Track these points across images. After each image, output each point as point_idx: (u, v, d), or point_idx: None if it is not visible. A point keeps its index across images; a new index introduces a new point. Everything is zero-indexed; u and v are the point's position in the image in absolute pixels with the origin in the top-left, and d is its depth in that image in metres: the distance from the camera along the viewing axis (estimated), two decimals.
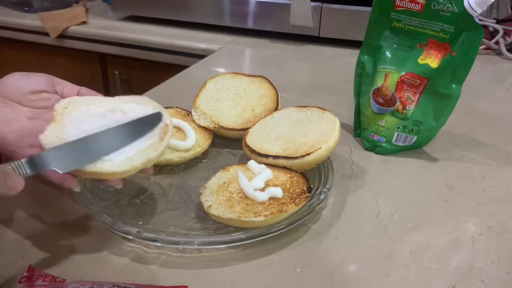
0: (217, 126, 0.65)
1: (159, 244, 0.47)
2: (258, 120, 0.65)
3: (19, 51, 1.37)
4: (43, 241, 0.49)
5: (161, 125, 0.47)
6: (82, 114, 0.47)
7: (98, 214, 0.49)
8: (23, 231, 0.50)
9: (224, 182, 0.54)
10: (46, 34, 1.26)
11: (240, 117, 0.67)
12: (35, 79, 0.52)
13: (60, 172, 0.42)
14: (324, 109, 0.62)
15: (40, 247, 0.48)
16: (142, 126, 0.47)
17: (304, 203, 0.50)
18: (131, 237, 0.47)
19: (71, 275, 0.44)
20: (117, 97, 0.51)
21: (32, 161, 0.41)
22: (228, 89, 0.72)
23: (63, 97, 0.53)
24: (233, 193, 0.52)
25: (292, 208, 0.49)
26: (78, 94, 0.53)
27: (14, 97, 0.50)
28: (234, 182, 0.54)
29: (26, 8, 1.38)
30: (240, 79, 0.73)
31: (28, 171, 0.41)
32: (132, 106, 0.49)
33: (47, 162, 0.42)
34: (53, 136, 0.44)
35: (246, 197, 0.51)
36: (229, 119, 0.67)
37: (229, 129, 0.65)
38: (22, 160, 0.41)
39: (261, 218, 0.47)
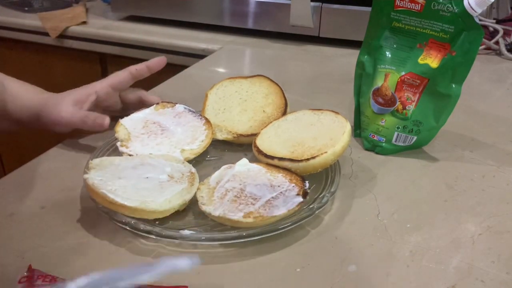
0: (236, 136, 0.65)
1: (154, 237, 0.48)
2: (271, 121, 0.65)
3: (19, 51, 1.37)
4: (43, 241, 0.49)
5: (188, 173, 0.55)
6: (116, 167, 0.54)
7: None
8: (23, 231, 0.50)
9: (223, 179, 0.54)
10: (46, 34, 1.25)
11: (254, 121, 0.67)
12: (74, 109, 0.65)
13: None
14: (337, 113, 0.61)
15: (40, 247, 0.48)
16: None
17: (296, 209, 0.49)
18: (128, 228, 0.48)
19: (71, 275, 0.44)
20: (143, 154, 0.59)
21: None
22: (231, 95, 0.71)
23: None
24: (229, 191, 0.52)
25: (283, 214, 0.48)
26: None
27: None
28: (233, 180, 0.54)
29: (26, 8, 1.38)
30: (239, 82, 0.73)
31: None
32: (159, 161, 0.56)
33: None
34: (97, 178, 0.51)
35: (241, 197, 0.51)
36: (244, 125, 0.67)
37: (248, 135, 0.65)
38: None
39: (250, 220, 0.47)
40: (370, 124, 0.67)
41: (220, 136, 0.65)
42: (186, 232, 0.48)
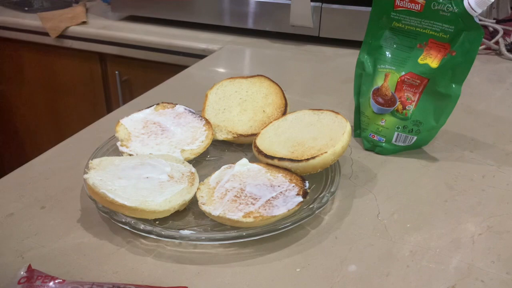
0: (236, 136, 0.65)
1: (154, 237, 0.48)
2: (271, 121, 0.65)
3: (19, 51, 1.37)
4: (43, 241, 0.49)
5: (188, 173, 0.55)
6: (116, 167, 0.54)
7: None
8: (23, 231, 0.50)
9: (223, 179, 0.54)
10: (46, 34, 1.26)
11: (254, 121, 0.67)
12: None
13: None
14: (337, 113, 0.61)
15: (40, 247, 0.48)
16: None
17: (296, 208, 0.50)
18: (128, 228, 0.48)
19: (71, 275, 0.44)
20: (142, 155, 0.59)
21: None
22: (231, 95, 0.71)
23: None
24: (229, 191, 0.52)
25: (283, 214, 0.48)
26: None
27: None
28: (233, 180, 0.54)
29: (26, 8, 1.38)
30: (239, 82, 0.73)
31: None
32: (159, 161, 0.56)
33: None
34: (96, 178, 0.51)
35: (241, 197, 0.51)
36: (244, 125, 0.67)
37: (248, 135, 0.65)
38: None
39: (250, 219, 0.47)
40: (370, 124, 0.67)
41: (220, 136, 0.65)
42: (186, 232, 0.48)
